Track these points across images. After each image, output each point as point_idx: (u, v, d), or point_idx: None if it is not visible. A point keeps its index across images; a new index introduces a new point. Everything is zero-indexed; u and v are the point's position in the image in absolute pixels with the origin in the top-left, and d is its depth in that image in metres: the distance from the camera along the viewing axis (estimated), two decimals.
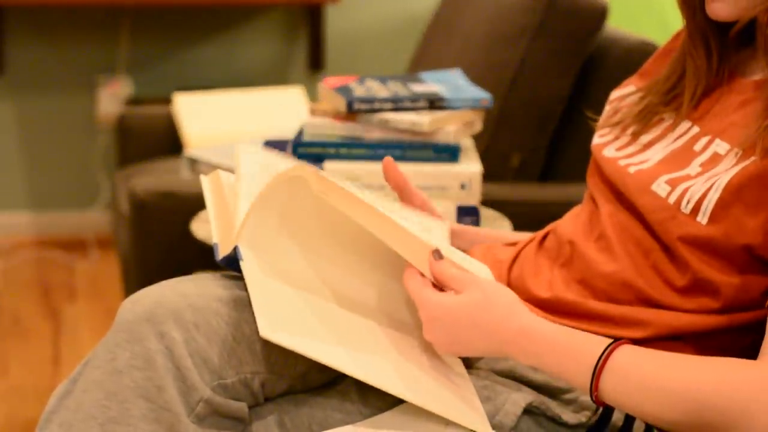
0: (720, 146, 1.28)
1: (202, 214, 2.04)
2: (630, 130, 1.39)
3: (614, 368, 1.18)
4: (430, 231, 1.47)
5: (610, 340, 1.20)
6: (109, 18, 3.74)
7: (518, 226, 1.93)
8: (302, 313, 1.30)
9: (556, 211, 1.56)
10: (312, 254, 1.34)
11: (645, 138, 1.37)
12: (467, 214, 1.93)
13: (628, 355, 1.19)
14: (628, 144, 1.39)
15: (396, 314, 1.35)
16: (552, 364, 1.22)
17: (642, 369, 1.18)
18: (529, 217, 1.88)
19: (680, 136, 1.34)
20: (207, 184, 1.43)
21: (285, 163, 1.42)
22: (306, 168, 1.27)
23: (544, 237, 1.46)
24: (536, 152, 2.33)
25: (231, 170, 1.93)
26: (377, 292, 1.35)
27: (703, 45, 1.36)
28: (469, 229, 1.61)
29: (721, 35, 1.35)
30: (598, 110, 1.48)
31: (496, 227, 2.02)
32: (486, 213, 2.03)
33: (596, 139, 1.44)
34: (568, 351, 1.21)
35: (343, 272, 1.34)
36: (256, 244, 1.32)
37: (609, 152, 1.39)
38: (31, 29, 3.73)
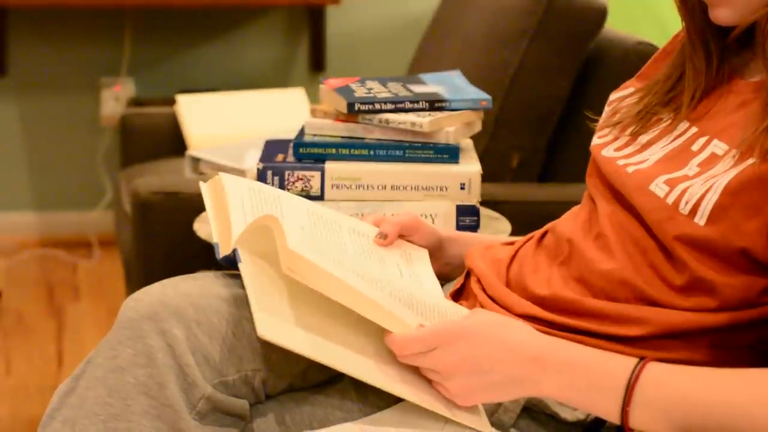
0: (718, 147, 1.28)
1: (204, 214, 2.05)
2: (629, 131, 1.39)
3: (646, 383, 1.18)
4: (411, 263, 1.48)
5: (636, 359, 1.20)
6: (112, 20, 3.74)
7: (517, 227, 1.94)
8: (299, 314, 1.31)
9: (555, 211, 1.57)
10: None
11: (643, 138, 1.37)
12: (467, 214, 1.93)
13: (657, 369, 1.19)
14: (627, 144, 1.39)
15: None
16: (580, 386, 1.21)
17: (675, 382, 1.18)
18: (528, 218, 1.88)
19: (678, 136, 1.34)
20: (206, 189, 1.45)
21: (266, 200, 1.43)
22: (275, 230, 1.28)
23: (543, 235, 1.46)
24: (535, 153, 2.34)
25: (231, 170, 1.94)
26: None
27: (703, 47, 1.36)
28: (465, 235, 1.62)
29: (721, 37, 1.35)
30: (597, 111, 1.48)
31: (496, 227, 2.03)
32: (485, 213, 2.04)
33: (595, 140, 1.44)
34: (597, 368, 1.21)
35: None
36: (252, 250, 1.33)
37: (608, 152, 1.40)
38: (34, 31, 3.74)
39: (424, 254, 1.51)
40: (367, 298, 1.25)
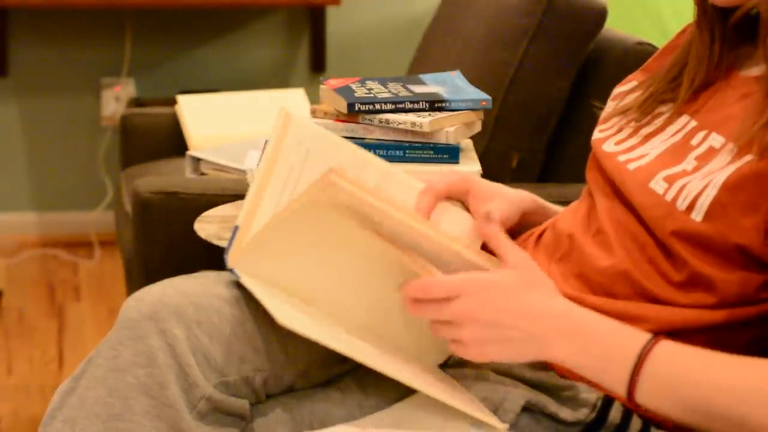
0: (715, 140, 1.28)
1: (205, 214, 2.06)
2: (632, 124, 1.39)
3: (657, 358, 1.19)
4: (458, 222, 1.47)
5: (650, 334, 1.21)
6: (112, 20, 3.75)
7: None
8: (307, 314, 1.31)
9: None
10: (303, 279, 1.35)
11: (645, 131, 1.38)
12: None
13: (669, 346, 1.20)
14: (628, 137, 1.39)
15: (396, 333, 1.36)
16: (591, 353, 1.22)
17: (685, 360, 1.19)
18: None
19: (679, 130, 1.34)
20: (276, 129, 1.41)
21: (332, 153, 1.41)
22: (331, 178, 1.24)
23: (541, 234, 1.47)
24: (534, 153, 2.34)
25: (231, 170, 1.92)
26: (376, 310, 1.35)
27: (708, 32, 1.36)
28: (544, 206, 1.60)
29: (727, 26, 1.36)
30: (597, 111, 1.49)
31: None
32: None
33: (596, 134, 1.44)
34: (611, 337, 1.22)
35: (339, 289, 1.34)
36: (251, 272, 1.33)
37: (608, 147, 1.40)
38: (35, 31, 3.74)
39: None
40: (419, 223, 1.25)
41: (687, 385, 1.18)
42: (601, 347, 1.22)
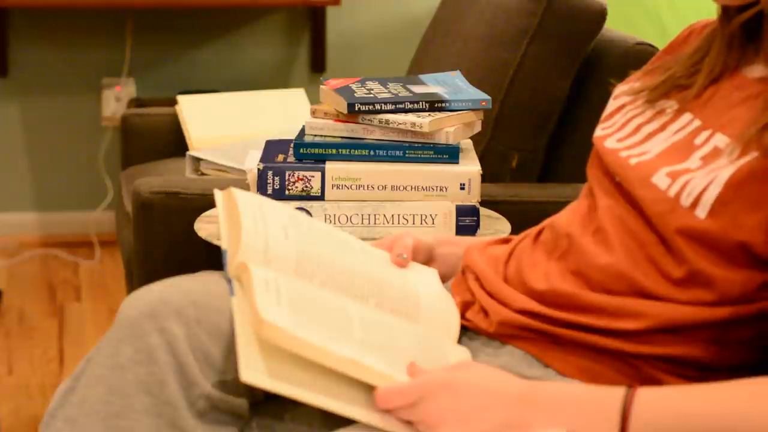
0: (720, 140, 1.28)
1: (205, 214, 2.06)
2: (635, 120, 1.39)
3: (640, 408, 1.17)
4: (418, 287, 1.46)
5: (624, 387, 1.19)
6: (113, 21, 3.75)
7: (516, 226, 1.94)
8: (285, 355, 1.27)
9: (554, 211, 1.57)
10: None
11: (646, 129, 1.38)
12: (467, 215, 1.94)
13: (648, 393, 1.18)
14: (630, 135, 1.39)
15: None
16: (572, 420, 1.18)
17: (669, 402, 1.18)
18: (527, 218, 1.88)
19: (681, 128, 1.34)
20: (220, 199, 1.43)
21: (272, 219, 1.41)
22: (255, 315, 1.22)
23: (539, 233, 1.47)
24: (534, 153, 2.34)
25: (232, 170, 1.93)
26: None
27: (730, 29, 1.36)
28: (461, 239, 1.63)
29: (743, 24, 1.35)
30: (596, 111, 1.49)
31: (496, 227, 2.04)
32: (485, 213, 2.05)
33: (598, 132, 1.44)
34: (587, 400, 1.20)
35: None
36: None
37: (610, 143, 1.40)
38: (35, 31, 3.74)
39: (434, 274, 1.51)
40: (343, 357, 1.22)
41: (679, 426, 1.16)
42: (580, 412, 1.19)
